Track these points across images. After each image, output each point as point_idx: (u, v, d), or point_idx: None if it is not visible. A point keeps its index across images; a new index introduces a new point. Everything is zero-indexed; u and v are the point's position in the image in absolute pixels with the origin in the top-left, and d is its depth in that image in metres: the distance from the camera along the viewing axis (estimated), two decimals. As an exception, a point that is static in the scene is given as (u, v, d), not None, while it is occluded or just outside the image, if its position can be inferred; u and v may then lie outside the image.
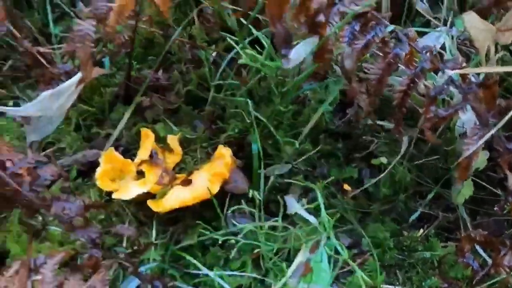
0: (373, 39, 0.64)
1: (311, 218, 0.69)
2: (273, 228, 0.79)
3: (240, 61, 0.59)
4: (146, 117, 0.87)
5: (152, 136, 0.78)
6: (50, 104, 0.71)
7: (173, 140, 0.81)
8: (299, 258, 0.61)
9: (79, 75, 0.71)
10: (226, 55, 0.92)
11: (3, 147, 0.67)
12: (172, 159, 0.81)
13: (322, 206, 0.63)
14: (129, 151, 0.86)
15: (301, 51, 0.66)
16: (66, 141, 0.86)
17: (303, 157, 0.85)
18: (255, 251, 0.76)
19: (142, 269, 0.74)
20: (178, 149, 0.81)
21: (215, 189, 0.74)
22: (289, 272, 0.61)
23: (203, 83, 0.91)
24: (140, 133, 0.86)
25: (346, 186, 0.86)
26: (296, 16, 0.56)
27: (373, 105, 0.68)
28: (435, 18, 1.05)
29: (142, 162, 0.77)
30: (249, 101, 0.72)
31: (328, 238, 0.62)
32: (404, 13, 1.01)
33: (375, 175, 0.89)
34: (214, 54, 0.96)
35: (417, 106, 0.86)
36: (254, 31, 0.58)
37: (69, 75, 0.74)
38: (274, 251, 0.76)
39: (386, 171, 0.85)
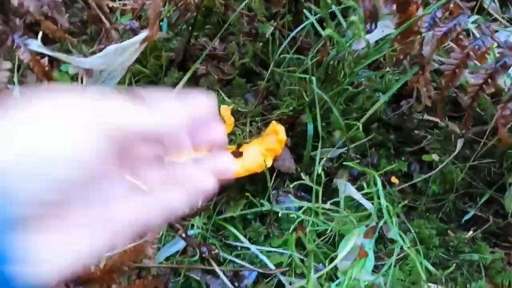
0: (455, 28, 0.61)
1: (367, 204, 0.67)
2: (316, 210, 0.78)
3: (326, 32, 0.57)
4: (200, 85, 0.86)
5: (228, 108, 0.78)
6: (114, 58, 0.70)
7: (226, 111, 0.80)
8: (352, 242, 0.60)
9: (145, 33, 0.70)
10: (285, 31, 0.90)
11: None
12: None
13: (381, 193, 0.62)
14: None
15: (380, 31, 0.64)
16: (118, 100, 0.86)
17: (354, 144, 0.83)
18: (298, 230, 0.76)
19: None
20: (230, 120, 0.80)
21: (269, 163, 0.73)
22: (341, 254, 0.60)
23: (261, 57, 0.90)
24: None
25: (394, 179, 0.85)
26: (385, -8, 0.54)
27: (441, 100, 0.65)
28: (502, 18, 1.01)
29: None
30: (314, 78, 0.70)
31: (385, 224, 0.60)
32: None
33: (424, 170, 0.87)
34: (271, 29, 0.95)
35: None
36: (333, 6, 0.56)
37: (134, 32, 0.73)
38: (317, 232, 0.75)
39: (438, 168, 0.82)
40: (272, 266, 0.73)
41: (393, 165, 0.84)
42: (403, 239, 0.59)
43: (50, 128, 0.24)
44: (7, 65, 0.63)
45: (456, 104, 0.95)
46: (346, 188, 0.71)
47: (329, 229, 0.72)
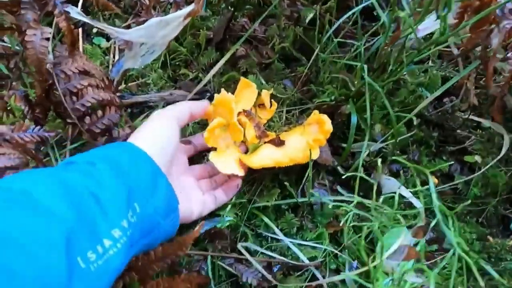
0: (525, 21, 0.57)
1: (416, 202, 0.64)
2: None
3: (397, 14, 0.53)
4: (238, 67, 0.82)
5: (253, 86, 0.74)
6: (156, 32, 0.67)
7: (266, 96, 0.77)
8: (400, 241, 0.57)
9: (190, 7, 0.66)
10: (328, 16, 0.86)
11: (89, 88, 0.65)
12: (264, 115, 0.77)
13: (433, 192, 0.58)
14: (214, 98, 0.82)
15: (433, 22, 0.59)
16: (152, 77, 0.83)
17: (396, 139, 0.79)
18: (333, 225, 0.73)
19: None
20: (272, 106, 0.77)
21: (316, 154, 0.70)
22: (388, 253, 0.57)
23: (302, 42, 0.86)
24: (229, 83, 0.82)
25: (434, 179, 0.81)
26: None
27: (500, 98, 0.61)
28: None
29: (240, 113, 0.73)
30: (365, 66, 0.66)
31: (435, 227, 0.57)
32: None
33: (465, 171, 0.84)
34: (312, 14, 0.91)
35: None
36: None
37: (178, 6, 0.70)
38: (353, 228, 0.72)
39: (481, 171, 0.79)
40: (305, 259, 0.70)
41: (436, 164, 0.80)
42: (458, 242, 0.55)
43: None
44: (48, 32, 0.60)
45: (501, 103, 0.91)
46: (391, 185, 0.68)
47: (367, 226, 0.68)
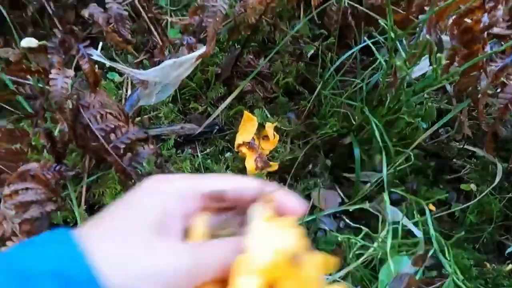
0: (511, 63, 0.62)
1: (417, 231, 0.68)
2: (354, 234, 0.78)
3: (394, 62, 0.58)
4: (245, 101, 0.88)
5: (254, 120, 0.79)
6: (170, 72, 0.72)
7: (270, 128, 0.81)
8: (398, 266, 0.60)
9: (202, 50, 0.72)
10: (327, 53, 0.92)
11: (109, 116, 0.70)
12: (267, 146, 0.81)
13: (429, 221, 0.62)
14: (222, 131, 0.87)
15: (427, 64, 0.65)
16: (163, 111, 0.88)
17: (394, 169, 0.83)
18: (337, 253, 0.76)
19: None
20: (275, 137, 0.82)
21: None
22: (386, 281, 0.61)
23: (304, 77, 0.91)
24: (236, 116, 0.87)
25: (431, 206, 0.85)
26: (452, 28, 0.55)
27: (492, 132, 0.66)
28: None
29: (241, 144, 0.78)
30: (364, 104, 0.71)
31: (434, 253, 0.60)
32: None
33: (461, 199, 0.88)
34: (313, 50, 0.97)
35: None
36: (397, 30, 0.57)
37: (190, 47, 0.75)
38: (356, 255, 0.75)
39: (477, 199, 0.83)
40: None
41: (433, 193, 0.84)
42: (455, 270, 0.59)
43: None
44: (71, 73, 0.65)
45: (493, 135, 0.96)
46: (394, 214, 0.71)
47: (369, 253, 0.72)
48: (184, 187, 0.32)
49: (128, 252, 0.28)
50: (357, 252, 0.74)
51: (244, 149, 0.77)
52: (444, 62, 0.50)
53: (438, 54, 0.50)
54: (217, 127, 0.85)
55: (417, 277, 0.62)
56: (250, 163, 0.76)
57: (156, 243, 0.28)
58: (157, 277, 0.27)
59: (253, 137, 0.81)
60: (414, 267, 0.61)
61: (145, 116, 0.90)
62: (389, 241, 0.60)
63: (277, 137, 0.81)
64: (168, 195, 0.31)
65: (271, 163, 0.80)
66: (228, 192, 0.32)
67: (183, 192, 0.31)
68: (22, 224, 0.60)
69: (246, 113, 0.79)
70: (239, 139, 0.78)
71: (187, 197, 0.31)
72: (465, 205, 0.83)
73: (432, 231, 0.59)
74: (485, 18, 0.52)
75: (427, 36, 0.52)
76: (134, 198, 0.31)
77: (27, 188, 0.63)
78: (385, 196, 0.64)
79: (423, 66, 0.66)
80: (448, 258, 0.59)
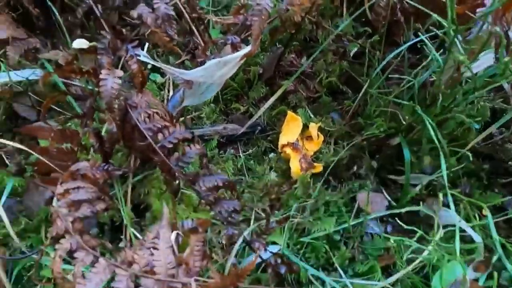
0: None
1: (476, 236, 0.64)
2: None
3: (455, 57, 0.55)
4: (288, 101, 0.86)
5: (299, 120, 0.77)
6: (214, 72, 0.71)
7: (313, 129, 0.80)
8: (458, 273, 0.57)
9: (247, 49, 0.71)
10: (374, 52, 0.89)
11: (156, 116, 0.70)
12: (311, 147, 0.80)
13: (492, 227, 0.58)
14: (265, 132, 0.85)
15: (489, 60, 0.61)
16: (205, 112, 0.88)
17: (445, 171, 0.79)
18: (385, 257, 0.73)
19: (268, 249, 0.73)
20: (319, 137, 0.80)
21: None
22: (439, 282, 0.57)
23: (348, 76, 0.89)
24: (279, 116, 0.86)
25: (485, 211, 0.80)
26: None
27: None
28: None
29: (285, 145, 0.76)
30: (416, 103, 0.68)
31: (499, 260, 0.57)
32: None
33: (518, 205, 0.82)
34: (356, 49, 0.94)
35: None
36: (457, 25, 0.53)
37: (234, 47, 0.74)
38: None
39: (536, 204, 0.77)
40: (358, 294, 0.70)
41: (488, 197, 0.79)
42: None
43: None
44: (120, 73, 0.66)
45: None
46: (448, 217, 0.68)
47: (422, 257, 0.69)
48: None
49: None
50: (408, 257, 0.71)
51: (288, 150, 0.75)
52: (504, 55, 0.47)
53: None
54: (259, 127, 0.84)
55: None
56: (294, 164, 0.74)
57: None
58: None
59: (297, 138, 0.79)
60: (473, 273, 0.57)
61: (188, 117, 0.90)
62: (457, 246, 0.56)
63: (322, 137, 0.79)
64: None
65: (315, 164, 0.78)
66: None
67: None
68: (74, 222, 0.61)
69: (290, 113, 0.78)
70: (282, 140, 0.76)
71: None
72: (523, 211, 0.78)
73: (495, 235, 0.56)
74: (560, 9, 0.48)
75: (494, 29, 0.49)
76: None
77: (78, 187, 0.64)
78: (440, 196, 0.60)
79: (482, 63, 0.62)
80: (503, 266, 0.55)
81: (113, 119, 0.67)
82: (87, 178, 0.65)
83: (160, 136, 0.66)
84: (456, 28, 0.54)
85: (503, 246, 0.78)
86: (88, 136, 0.69)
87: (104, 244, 0.70)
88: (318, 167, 0.77)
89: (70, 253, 0.60)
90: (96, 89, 0.67)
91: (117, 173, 0.68)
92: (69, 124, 0.85)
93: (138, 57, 0.68)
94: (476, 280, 0.59)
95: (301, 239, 0.76)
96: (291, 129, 0.77)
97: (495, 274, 0.50)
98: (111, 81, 0.64)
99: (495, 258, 0.55)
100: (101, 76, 0.64)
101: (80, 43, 0.65)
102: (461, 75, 0.58)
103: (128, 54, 0.67)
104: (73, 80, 0.85)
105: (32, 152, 0.72)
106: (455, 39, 0.56)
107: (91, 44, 0.66)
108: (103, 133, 0.76)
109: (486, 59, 0.61)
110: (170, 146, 0.66)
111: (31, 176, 0.77)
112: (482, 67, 0.63)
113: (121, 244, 0.74)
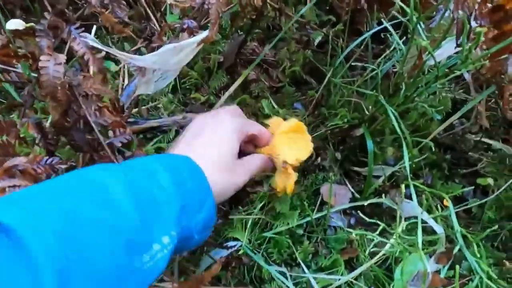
0: (539, 47, 0.57)
1: (438, 228, 0.63)
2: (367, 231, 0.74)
3: (417, 43, 0.53)
4: (250, 90, 0.82)
5: (307, 136, 0.65)
6: (170, 58, 0.66)
7: (277, 122, 0.67)
8: (419, 266, 0.56)
9: (204, 34, 0.66)
10: (337, 41, 0.87)
11: (104, 109, 0.64)
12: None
13: (454, 218, 0.57)
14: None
15: (451, 47, 0.60)
16: (162, 102, 0.83)
17: (408, 162, 0.79)
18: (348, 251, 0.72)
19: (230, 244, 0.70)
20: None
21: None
22: (402, 280, 0.56)
23: (312, 65, 0.86)
24: (240, 105, 0.82)
25: (446, 202, 0.80)
26: (480, 6, 0.50)
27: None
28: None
29: (289, 164, 0.62)
30: (379, 93, 0.66)
31: (460, 251, 0.56)
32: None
33: (477, 194, 0.83)
34: (320, 37, 0.92)
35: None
36: (419, 12, 0.52)
37: (191, 32, 0.70)
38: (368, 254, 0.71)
39: (495, 194, 0.78)
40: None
41: (450, 187, 0.79)
42: (482, 268, 0.55)
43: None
44: (63, 58, 0.60)
45: (510, 126, 0.91)
46: (410, 208, 0.67)
47: (385, 250, 0.67)
48: (243, 127, 0.58)
49: (226, 167, 0.54)
50: (371, 250, 0.70)
51: (289, 169, 0.62)
52: (482, 38, 0.45)
53: (478, 29, 0.45)
54: (220, 118, 0.80)
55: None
56: (292, 183, 0.63)
57: (238, 162, 0.57)
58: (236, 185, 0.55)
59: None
60: (435, 265, 0.56)
61: (144, 107, 0.84)
62: (419, 238, 0.55)
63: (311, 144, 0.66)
64: (240, 134, 0.57)
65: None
66: (257, 135, 0.61)
67: (243, 131, 0.58)
68: (9, 223, 0.55)
69: (297, 122, 0.64)
70: (289, 155, 0.62)
71: (244, 134, 0.58)
72: (482, 201, 0.79)
73: (456, 226, 0.55)
74: (521, -6, 0.47)
75: (457, 13, 0.47)
76: (220, 133, 0.56)
77: (14, 186, 0.58)
78: (402, 187, 0.59)
79: (444, 51, 0.61)
80: (478, 255, 0.54)
81: (56, 108, 0.61)
82: (27, 174, 0.59)
83: (110, 133, 0.61)
84: (418, 15, 0.52)
85: (464, 237, 0.79)
86: (28, 127, 0.63)
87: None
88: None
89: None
90: (36, 75, 0.61)
91: (63, 166, 0.62)
92: (12, 115, 0.78)
93: (84, 40, 0.62)
94: (438, 271, 0.59)
95: (264, 234, 0.73)
96: (299, 144, 0.63)
97: (457, 266, 0.48)
98: (52, 66, 0.58)
99: (456, 249, 0.54)
100: (40, 62, 0.58)
101: (15, 24, 0.59)
102: (423, 63, 0.56)
103: (71, 37, 0.61)
104: (13, 66, 0.77)
105: (-37, 146, 0.64)
106: (418, 27, 0.55)
107: (28, 25, 0.59)
108: (47, 124, 0.70)
109: (448, 47, 0.60)
110: (119, 145, 0.61)
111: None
112: (444, 55, 0.61)
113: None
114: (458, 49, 0.58)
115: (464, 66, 0.51)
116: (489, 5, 0.49)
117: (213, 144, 0.55)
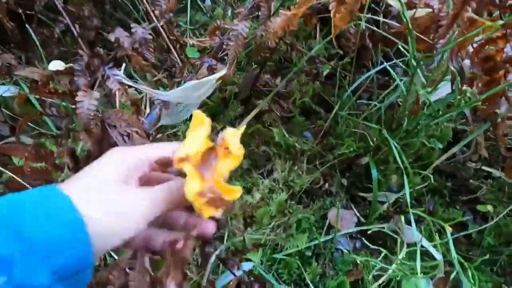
0: (530, 90, 0.63)
1: (437, 254, 0.68)
2: (371, 254, 0.79)
3: (416, 89, 0.59)
4: (263, 120, 0.89)
5: (207, 123, 0.45)
6: (191, 93, 0.73)
7: (233, 137, 0.44)
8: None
9: (223, 71, 0.73)
10: (345, 73, 0.93)
11: (135, 134, 0.71)
12: (226, 165, 0.44)
13: (451, 243, 0.62)
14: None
15: (446, 90, 0.66)
16: (181, 129, 0.90)
17: (411, 190, 0.84)
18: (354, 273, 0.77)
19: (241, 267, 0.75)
20: (239, 150, 0.44)
21: None
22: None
23: (320, 97, 0.92)
24: (254, 135, 0.88)
25: (448, 228, 0.85)
26: (473, 55, 0.56)
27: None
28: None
29: (184, 158, 0.43)
30: (383, 126, 0.72)
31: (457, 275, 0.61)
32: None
33: (477, 220, 0.88)
34: (328, 70, 0.98)
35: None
36: (418, 56, 0.58)
37: (211, 69, 0.77)
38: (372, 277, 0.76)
39: (494, 220, 0.83)
40: (328, 308, 0.73)
41: (450, 214, 0.84)
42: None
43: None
44: (97, 95, 0.67)
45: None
46: (411, 235, 0.72)
47: (387, 275, 0.72)
48: (139, 156, 0.42)
49: (106, 196, 0.38)
50: (375, 273, 0.74)
51: (186, 166, 0.42)
52: (468, 94, 0.51)
53: (464, 87, 0.51)
54: (235, 145, 0.86)
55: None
56: (191, 184, 0.40)
57: (127, 189, 0.39)
58: (129, 214, 0.38)
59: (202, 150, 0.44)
60: (434, 291, 0.61)
61: (165, 134, 0.91)
62: (418, 264, 0.60)
63: (242, 150, 0.44)
64: (128, 161, 0.41)
65: (230, 189, 0.42)
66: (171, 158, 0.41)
67: (138, 160, 0.42)
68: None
69: (196, 112, 0.45)
70: (180, 151, 0.42)
71: (142, 164, 0.42)
72: (482, 227, 0.83)
73: (454, 254, 0.60)
74: (508, 49, 0.53)
75: (450, 65, 0.53)
76: (103, 161, 0.40)
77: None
78: (402, 218, 0.64)
79: (442, 92, 0.67)
80: (472, 282, 0.59)
81: (90, 138, 0.68)
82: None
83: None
84: (415, 59, 0.58)
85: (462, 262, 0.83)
86: (63, 155, 0.70)
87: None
88: (235, 192, 0.42)
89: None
90: (73, 108, 0.68)
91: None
92: (44, 141, 0.85)
93: (116, 77, 0.69)
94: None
95: (274, 255, 0.79)
96: (194, 137, 0.45)
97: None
98: (87, 102, 0.65)
99: (453, 274, 0.59)
100: (77, 98, 0.65)
101: (56, 65, 0.66)
102: (420, 104, 0.62)
103: (105, 75, 0.68)
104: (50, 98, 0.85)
105: (5, 171, 0.71)
106: (417, 68, 0.61)
107: (68, 65, 0.66)
108: (78, 152, 0.77)
109: (445, 88, 0.66)
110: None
111: (2, 194, 0.77)
112: (442, 94, 0.67)
113: (96, 264, 0.74)
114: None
115: (457, 109, 0.56)
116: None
117: (99, 170, 0.40)
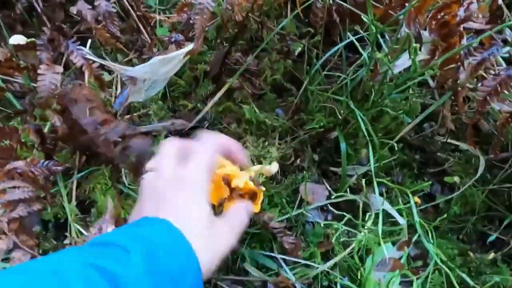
0: (488, 58, 0.64)
1: (400, 219, 0.70)
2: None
3: (375, 55, 0.60)
4: (234, 97, 0.89)
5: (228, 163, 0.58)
6: (159, 69, 0.73)
7: (249, 180, 0.58)
8: (384, 253, 0.62)
9: (190, 46, 0.73)
10: (315, 50, 0.94)
11: (96, 110, 0.70)
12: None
13: (413, 209, 0.64)
14: (212, 126, 0.88)
15: (407, 59, 0.67)
16: (152, 109, 0.89)
17: (380, 163, 0.85)
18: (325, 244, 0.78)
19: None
20: (259, 195, 0.60)
21: None
22: (371, 264, 0.62)
23: (292, 74, 0.93)
24: (225, 112, 0.88)
25: (416, 199, 0.87)
26: (430, 22, 0.57)
27: (472, 125, 0.68)
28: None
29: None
30: (350, 99, 0.73)
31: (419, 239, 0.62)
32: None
33: (445, 191, 0.90)
34: (300, 48, 0.99)
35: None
36: (378, 25, 0.59)
37: (178, 44, 0.76)
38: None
39: (460, 190, 0.85)
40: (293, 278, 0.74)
41: (418, 185, 0.86)
42: (437, 254, 0.61)
43: None
44: (60, 69, 0.66)
45: (476, 128, 0.98)
46: (377, 203, 0.73)
47: (356, 241, 0.74)
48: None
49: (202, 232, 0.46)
50: (344, 241, 0.76)
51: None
52: (419, 52, 0.52)
53: (414, 45, 0.52)
54: (206, 122, 0.87)
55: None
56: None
57: (215, 223, 0.48)
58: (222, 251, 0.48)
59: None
60: (399, 253, 0.62)
61: (135, 114, 0.91)
62: (380, 228, 0.61)
63: (262, 192, 0.59)
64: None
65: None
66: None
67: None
68: (10, 222, 0.61)
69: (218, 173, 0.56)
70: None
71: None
72: (449, 197, 0.86)
73: (416, 218, 0.61)
74: (461, 12, 0.54)
75: (406, 30, 0.54)
76: (188, 177, 0.49)
77: (14, 187, 0.64)
78: (363, 181, 0.65)
79: (404, 61, 0.68)
80: (432, 242, 0.61)
81: (53, 115, 0.67)
82: (25, 177, 0.65)
83: (102, 130, 0.67)
84: (376, 28, 0.59)
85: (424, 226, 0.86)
86: (28, 132, 0.69)
87: (48, 241, 0.69)
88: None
89: (9, 252, 0.60)
90: (36, 85, 0.67)
91: (59, 169, 0.68)
92: (12, 122, 0.84)
93: (80, 52, 0.69)
94: (400, 258, 0.65)
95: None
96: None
97: (406, 248, 0.55)
98: (49, 76, 0.65)
99: (415, 237, 0.61)
100: (39, 71, 0.64)
101: (17, 39, 0.65)
102: (379, 73, 0.63)
103: (69, 50, 0.68)
104: (15, 77, 0.84)
105: (-31, 150, 0.70)
106: (379, 39, 0.62)
107: (29, 40, 0.65)
108: (46, 130, 0.76)
109: (405, 58, 0.67)
110: (113, 139, 0.67)
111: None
112: (404, 66, 0.68)
113: (66, 241, 0.74)
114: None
115: (416, 75, 0.58)
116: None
117: (184, 189, 0.48)
